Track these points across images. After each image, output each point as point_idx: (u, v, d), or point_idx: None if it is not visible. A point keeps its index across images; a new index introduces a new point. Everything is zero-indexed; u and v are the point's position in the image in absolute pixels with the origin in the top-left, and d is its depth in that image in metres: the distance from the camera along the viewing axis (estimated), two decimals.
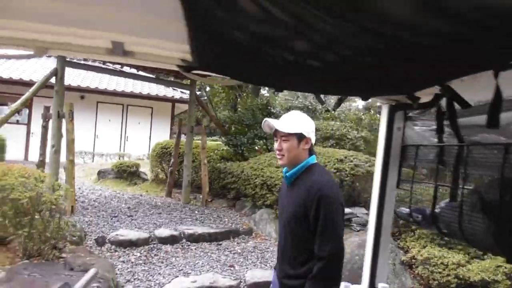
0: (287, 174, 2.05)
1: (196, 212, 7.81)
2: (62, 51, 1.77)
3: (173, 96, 18.01)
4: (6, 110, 17.72)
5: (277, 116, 9.98)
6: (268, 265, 5.66)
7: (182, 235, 6.21)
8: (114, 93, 16.49)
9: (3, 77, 15.08)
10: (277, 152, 2.03)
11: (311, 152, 2.05)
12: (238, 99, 13.23)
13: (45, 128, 7.26)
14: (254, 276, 5.10)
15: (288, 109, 10.09)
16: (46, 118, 7.21)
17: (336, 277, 1.89)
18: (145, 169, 11.76)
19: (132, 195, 9.24)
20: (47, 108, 7.23)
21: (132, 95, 17.06)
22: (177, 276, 4.92)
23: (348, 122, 10.40)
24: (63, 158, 6.87)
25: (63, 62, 6.92)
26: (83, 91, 16.52)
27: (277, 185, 7.09)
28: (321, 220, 1.84)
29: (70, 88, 16.07)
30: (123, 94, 16.78)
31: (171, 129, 19.09)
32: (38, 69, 17.28)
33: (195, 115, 9.07)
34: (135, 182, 10.86)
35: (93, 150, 16.67)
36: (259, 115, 9.32)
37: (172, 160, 9.18)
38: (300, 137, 1.97)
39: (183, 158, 8.93)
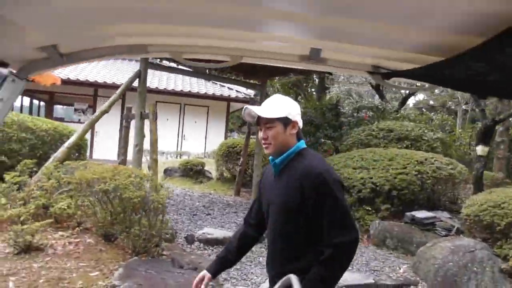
0: (275, 161, 1.83)
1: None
2: (254, 59, 1.80)
3: (229, 95, 18.24)
4: (70, 110, 18.59)
5: (346, 117, 9.85)
6: (354, 268, 5.58)
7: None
8: (173, 93, 16.94)
9: (71, 78, 15.85)
10: (263, 141, 1.83)
11: (299, 137, 1.86)
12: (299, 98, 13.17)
13: (126, 128, 7.54)
14: (346, 279, 5.01)
15: (357, 109, 9.93)
16: (128, 118, 7.49)
17: (345, 266, 1.74)
18: (208, 167, 12.00)
19: (201, 193, 9.43)
20: (129, 109, 7.51)
21: (189, 95, 17.44)
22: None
23: (417, 122, 10.07)
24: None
25: (146, 64, 7.15)
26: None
27: (356, 187, 6.99)
28: (328, 207, 1.66)
29: (132, 89, 16.75)
30: (181, 94, 17.20)
31: (226, 127, 19.38)
32: (100, 70, 18.09)
33: None
34: (201, 181, 11.10)
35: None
36: (328, 115, 9.22)
37: (241, 160, 9.28)
38: (286, 121, 1.78)
39: (251, 157, 9.01)
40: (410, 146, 8.29)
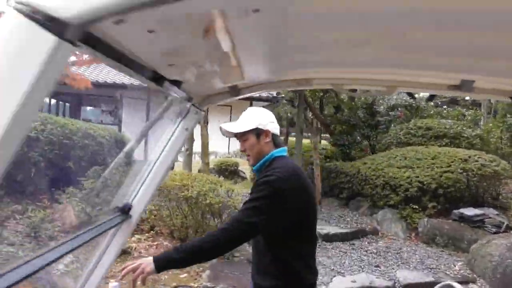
0: (254, 168, 1.99)
1: None
2: (406, 88, 1.99)
3: (252, 95, 18.39)
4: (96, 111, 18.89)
5: (382, 115, 9.97)
6: (411, 265, 5.76)
7: (317, 234, 6.44)
8: None
9: (99, 81, 16.17)
10: (244, 153, 1.99)
11: (276, 144, 1.94)
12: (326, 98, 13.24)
13: None
14: (407, 278, 5.23)
15: (392, 108, 10.05)
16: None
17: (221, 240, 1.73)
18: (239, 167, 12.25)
19: (246, 193, 9.65)
20: None
21: None
22: (335, 276, 5.17)
23: (450, 119, 10.16)
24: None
25: None
26: None
27: (402, 186, 7.15)
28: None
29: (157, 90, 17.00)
30: None
31: None
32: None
33: (303, 115, 9.24)
34: (236, 181, 11.32)
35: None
36: (363, 114, 9.36)
37: None
38: (257, 132, 1.88)
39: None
40: (449, 143, 8.40)
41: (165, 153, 1.85)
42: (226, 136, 2.06)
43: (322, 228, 6.69)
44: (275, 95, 18.76)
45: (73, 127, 6.25)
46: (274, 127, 1.95)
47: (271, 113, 2.01)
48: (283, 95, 19.68)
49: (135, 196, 1.88)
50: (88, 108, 20.23)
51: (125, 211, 1.81)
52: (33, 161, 5.53)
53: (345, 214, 7.96)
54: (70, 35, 0.58)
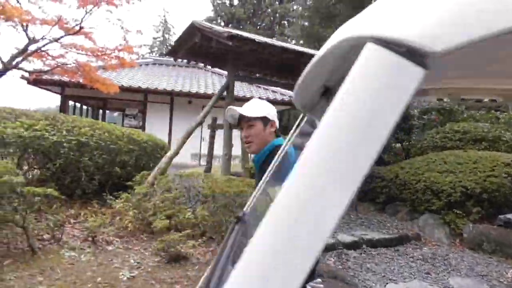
0: (255, 158, 2.01)
1: (351, 216, 7.98)
2: None
3: (275, 98, 18.40)
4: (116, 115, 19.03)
5: (416, 119, 9.85)
6: (461, 273, 5.67)
7: (361, 240, 6.40)
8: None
9: (124, 85, 16.33)
10: (245, 139, 2.00)
11: (277, 134, 2.04)
12: None
13: (212, 137, 7.82)
14: (461, 285, 5.14)
15: (425, 112, 9.93)
16: (213, 128, 7.76)
17: None
18: None
19: None
20: (214, 119, 7.78)
21: (235, 98, 17.61)
22: (387, 283, 5.11)
23: (482, 122, 10.00)
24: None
25: (233, 76, 7.39)
26: (191, 96, 17.44)
27: (445, 191, 7.04)
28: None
29: (178, 93, 17.18)
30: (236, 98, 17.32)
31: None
32: (149, 77, 18.55)
33: None
34: None
35: (200, 152, 17.40)
36: None
37: None
38: (265, 120, 1.96)
39: None
40: (488, 147, 8.26)
41: None
42: (229, 121, 2.09)
43: (365, 233, 6.63)
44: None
45: (119, 132, 6.30)
46: (277, 120, 2.05)
47: (274, 107, 2.09)
48: None
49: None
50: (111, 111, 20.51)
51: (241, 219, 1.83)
52: (83, 166, 5.59)
53: (383, 219, 7.87)
54: (427, 64, 0.58)
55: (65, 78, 15.97)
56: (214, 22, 47.46)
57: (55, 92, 20.04)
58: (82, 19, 12.60)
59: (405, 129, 9.21)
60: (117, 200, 5.21)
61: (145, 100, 18.13)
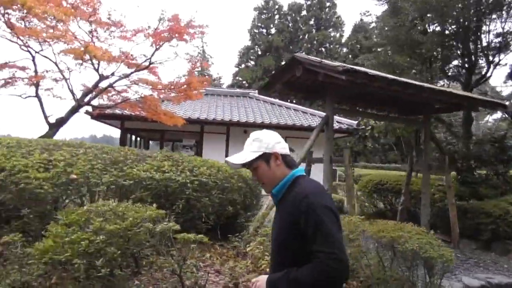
0: (272, 192, 1.86)
1: (458, 255, 7.45)
2: None
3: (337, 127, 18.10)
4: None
5: None
6: None
7: (489, 284, 5.89)
8: (277, 126, 17.03)
9: (183, 117, 16.49)
10: (259, 182, 1.90)
11: (288, 164, 1.86)
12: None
13: (308, 172, 7.59)
14: None
15: None
16: (310, 162, 7.55)
17: (316, 277, 1.52)
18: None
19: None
20: (310, 153, 7.57)
21: (292, 128, 17.54)
22: None
23: None
24: None
25: (333, 110, 7.21)
26: (247, 126, 17.43)
27: None
28: (311, 228, 1.58)
29: (234, 123, 17.21)
30: (284, 127, 17.26)
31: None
32: (204, 108, 18.74)
33: (429, 150, 8.77)
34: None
35: None
36: (492, 150, 8.77)
37: (402, 198, 9.02)
38: (266, 157, 1.82)
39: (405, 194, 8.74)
40: None
41: None
42: (235, 168, 2.13)
43: (490, 277, 6.11)
44: (355, 126, 18.44)
45: (227, 169, 6.18)
46: (281, 147, 1.86)
47: (275, 133, 1.90)
48: (363, 126, 19.31)
49: None
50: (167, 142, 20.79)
51: None
52: (201, 206, 5.45)
53: (495, 259, 7.30)
54: None
55: (127, 112, 16.39)
56: (252, 50, 48.29)
57: (114, 126, 20.56)
58: (151, 55, 12.94)
59: (504, 161, 8.69)
60: (250, 243, 4.99)
61: (201, 130, 18.26)
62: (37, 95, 12.13)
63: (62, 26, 11.55)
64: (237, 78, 47.70)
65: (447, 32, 10.95)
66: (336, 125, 18.24)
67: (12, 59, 12.13)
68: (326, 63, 6.18)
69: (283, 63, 43.07)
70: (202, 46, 53.38)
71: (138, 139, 22.75)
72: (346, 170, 6.90)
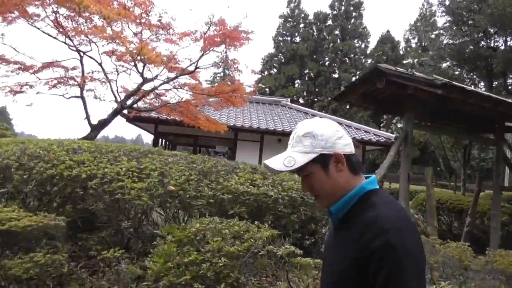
0: (330, 209, 1.27)
1: None
2: None
3: (368, 139, 17.73)
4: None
5: None
6: None
7: None
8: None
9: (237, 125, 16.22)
10: (310, 194, 1.33)
11: (356, 169, 1.25)
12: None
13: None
14: None
15: None
16: (382, 179, 7.17)
17: None
18: None
19: None
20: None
21: None
22: None
23: None
24: None
25: (412, 125, 6.84)
26: (281, 135, 17.15)
27: None
28: (383, 279, 1.04)
29: (270, 132, 16.94)
30: None
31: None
32: (238, 115, 18.51)
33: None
34: None
35: None
36: None
37: (468, 219, 8.57)
38: (323, 160, 1.22)
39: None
40: None
41: None
42: (275, 174, 1.38)
43: None
44: (392, 139, 17.98)
45: None
46: (344, 145, 1.25)
47: (334, 123, 1.29)
48: None
49: None
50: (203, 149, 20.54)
51: None
52: (288, 222, 5.11)
53: None
54: None
55: (163, 116, 16.21)
56: (275, 58, 48.09)
57: (144, 129, 20.43)
58: (198, 59, 12.73)
59: None
60: None
61: (235, 138, 18.00)
62: (81, 96, 11.99)
63: (107, 26, 11.42)
64: (259, 85, 47.55)
65: None
66: (373, 138, 17.82)
67: (57, 59, 12.00)
68: (420, 76, 5.83)
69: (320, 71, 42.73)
70: (225, 52, 53.06)
71: (167, 143, 22.57)
72: (428, 189, 6.51)
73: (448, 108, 6.78)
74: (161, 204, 4.13)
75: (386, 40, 43.84)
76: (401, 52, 44.23)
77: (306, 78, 47.22)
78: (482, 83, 11.26)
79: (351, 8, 47.16)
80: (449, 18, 11.18)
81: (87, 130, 11.68)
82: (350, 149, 1.27)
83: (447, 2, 10.96)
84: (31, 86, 11.53)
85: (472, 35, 9.77)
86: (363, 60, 46.44)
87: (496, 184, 8.12)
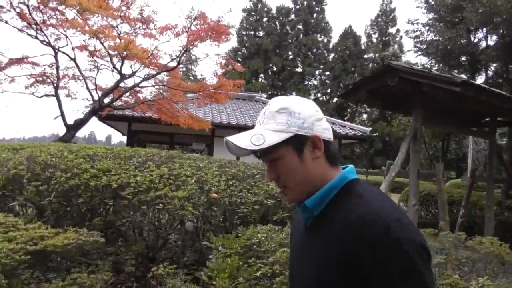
0: (305, 203, 1.03)
1: None
2: None
3: (344, 132, 17.96)
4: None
5: None
6: None
7: None
8: None
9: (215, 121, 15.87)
10: (277, 185, 1.09)
11: (333, 160, 1.06)
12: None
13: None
14: None
15: None
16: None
17: None
18: None
19: None
20: (389, 165, 7.24)
21: None
22: None
23: None
24: None
25: (421, 122, 6.90)
26: None
27: None
28: (393, 279, 0.85)
29: (249, 128, 16.76)
30: None
31: None
32: (216, 111, 18.21)
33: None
34: None
35: None
36: None
37: (462, 211, 8.83)
38: (298, 142, 1.01)
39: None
40: None
41: None
42: (237, 155, 1.13)
43: None
44: (367, 133, 18.34)
45: None
46: (324, 128, 1.05)
47: (312, 103, 1.08)
48: (377, 134, 19.22)
49: None
50: (176, 146, 19.88)
51: None
52: None
53: None
54: None
55: (137, 114, 15.59)
56: (239, 52, 47.75)
57: (114, 128, 19.59)
58: (181, 54, 12.30)
59: None
60: None
61: (212, 135, 17.65)
62: (56, 95, 11.26)
63: (82, 20, 10.75)
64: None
65: None
66: (350, 132, 18.09)
67: (28, 55, 11.19)
68: (436, 74, 5.87)
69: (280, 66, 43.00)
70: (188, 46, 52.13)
71: (140, 142, 21.76)
72: (439, 184, 6.62)
73: (453, 104, 6.91)
74: (204, 213, 3.87)
75: (348, 35, 44.72)
76: (363, 47, 45.30)
77: (270, 73, 47.31)
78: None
79: (314, 3, 47.63)
80: (434, 16, 11.53)
81: (54, 129, 10.97)
82: (329, 135, 1.06)
83: (430, 1, 11.28)
84: None
85: (458, 32, 10.12)
86: (326, 55, 47.15)
87: (491, 176, 8.44)
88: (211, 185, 4.08)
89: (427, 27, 11.78)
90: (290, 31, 47.95)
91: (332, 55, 46.61)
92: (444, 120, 7.94)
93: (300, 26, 48.06)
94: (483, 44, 11.25)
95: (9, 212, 4.40)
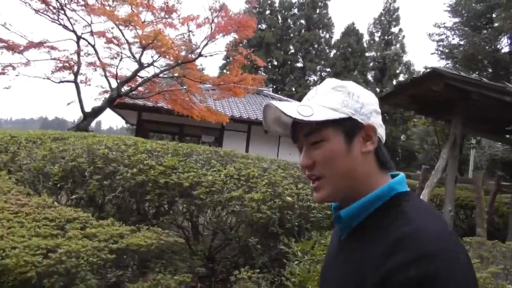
0: (340, 213, 0.88)
1: None
2: None
3: None
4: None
5: None
6: None
7: None
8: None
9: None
10: (307, 173, 0.91)
11: (384, 163, 0.90)
12: None
13: (421, 188, 7.28)
14: None
15: None
16: (424, 179, 7.25)
17: None
18: None
19: None
20: (425, 170, 7.28)
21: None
22: None
23: None
24: None
25: (460, 129, 6.91)
26: None
27: None
28: None
29: (257, 122, 16.70)
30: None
31: None
32: (227, 104, 18.11)
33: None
34: None
35: None
36: None
37: (486, 217, 8.93)
38: (350, 127, 0.86)
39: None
40: None
41: None
42: (269, 129, 0.96)
43: None
44: None
45: None
46: (381, 125, 0.92)
47: (373, 94, 0.94)
48: None
49: None
50: (188, 138, 19.68)
51: None
52: None
53: None
54: None
55: (149, 103, 15.40)
56: (241, 44, 47.37)
57: (122, 117, 19.35)
58: (204, 46, 12.15)
59: None
60: None
61: (222, 127, 17.54)
62: (75, 81, 11.07)
63: (101, 5, 10.56)
64: (224, 72, 46.80)
65: None
66: None
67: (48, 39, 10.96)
68: (488, 82, 5.86)
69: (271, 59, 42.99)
70: (189, 35, 51.57)
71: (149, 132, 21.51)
72: (478, 192, 6.66)
73: (494, 112, 6.94)
74: (281, 217, 3.82)
75: (351, 32, 44.66)
76: (365, 45, 45.31)
77: (270, 67, 47.09)
78: None
79: None
80: (460, 19, 11.55)
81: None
82: (383, 133, 0.92)
83: (458, 6, 11.28)
84: (13, 68, 10.45)
85: (485, 36, 10.15)
86: (328, 51, 47.08)
87: None
88: (283, 187, 4.02)
89: (452, 31, 11.86)
90: (292, 25, 47.70)
91: (333, 51, 46.53)
92: (479, 127, 7.99)
93: (302, 21, 47.82)
94: (506, 49, 11.35)
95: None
